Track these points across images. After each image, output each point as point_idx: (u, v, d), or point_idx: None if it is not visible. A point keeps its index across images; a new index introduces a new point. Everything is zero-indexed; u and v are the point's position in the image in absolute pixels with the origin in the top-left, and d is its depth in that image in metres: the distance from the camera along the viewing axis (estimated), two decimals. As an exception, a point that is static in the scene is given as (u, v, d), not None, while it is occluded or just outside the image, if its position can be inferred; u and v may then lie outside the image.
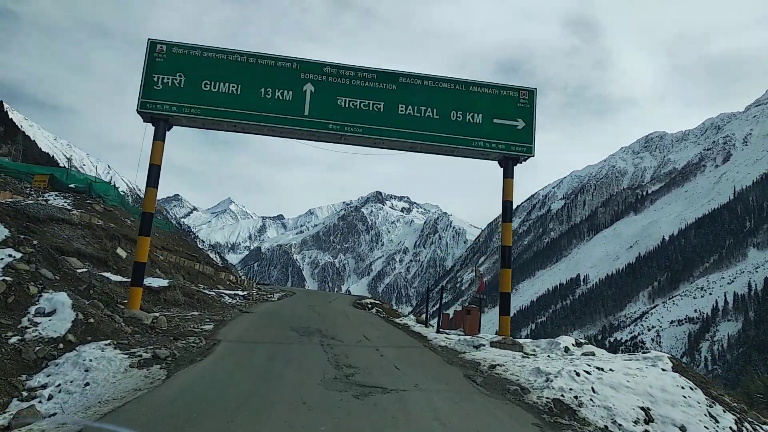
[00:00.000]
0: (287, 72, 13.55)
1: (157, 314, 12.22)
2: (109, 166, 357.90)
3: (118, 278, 14.20)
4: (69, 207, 18.72)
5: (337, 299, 34.01)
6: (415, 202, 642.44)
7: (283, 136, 14.21)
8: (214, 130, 14.14)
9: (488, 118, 14.11)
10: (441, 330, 16.65)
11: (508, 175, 14.34)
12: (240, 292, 23.98)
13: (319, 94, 13.50)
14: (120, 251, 17.45)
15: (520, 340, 12.56)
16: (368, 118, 13.61)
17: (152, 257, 19.24)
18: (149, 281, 15.06)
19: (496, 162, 14.57)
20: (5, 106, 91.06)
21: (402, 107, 13.79)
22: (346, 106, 13.56)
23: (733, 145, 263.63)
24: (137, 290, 12.43)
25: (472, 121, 14.01)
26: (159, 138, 13.13)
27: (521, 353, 10.81)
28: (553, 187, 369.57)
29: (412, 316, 25.56)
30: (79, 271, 12.50)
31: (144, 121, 13.26)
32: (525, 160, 14.36)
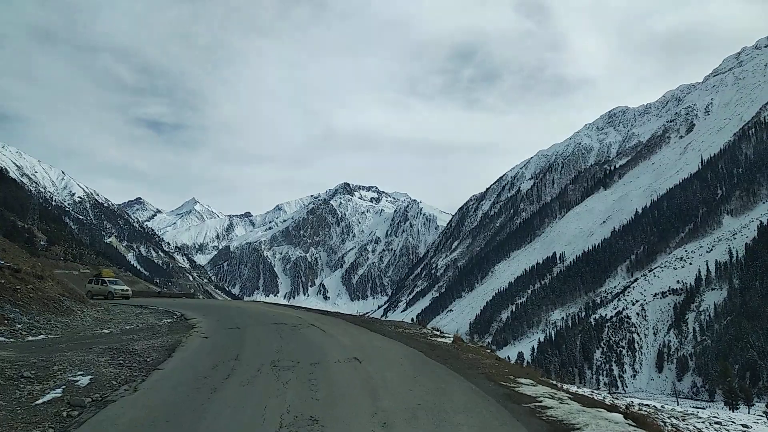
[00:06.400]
0: None
1: None
2: (63, 172, 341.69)
3: None
4: None
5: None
6: (384, 192, 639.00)
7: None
8: None
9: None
10: None
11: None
12: None
13: None
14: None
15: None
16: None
17: None
18: None
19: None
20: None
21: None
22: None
23: (696, 115, 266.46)
24: None
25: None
26: None
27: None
28: (521, 168, 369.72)
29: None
30: None
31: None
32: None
